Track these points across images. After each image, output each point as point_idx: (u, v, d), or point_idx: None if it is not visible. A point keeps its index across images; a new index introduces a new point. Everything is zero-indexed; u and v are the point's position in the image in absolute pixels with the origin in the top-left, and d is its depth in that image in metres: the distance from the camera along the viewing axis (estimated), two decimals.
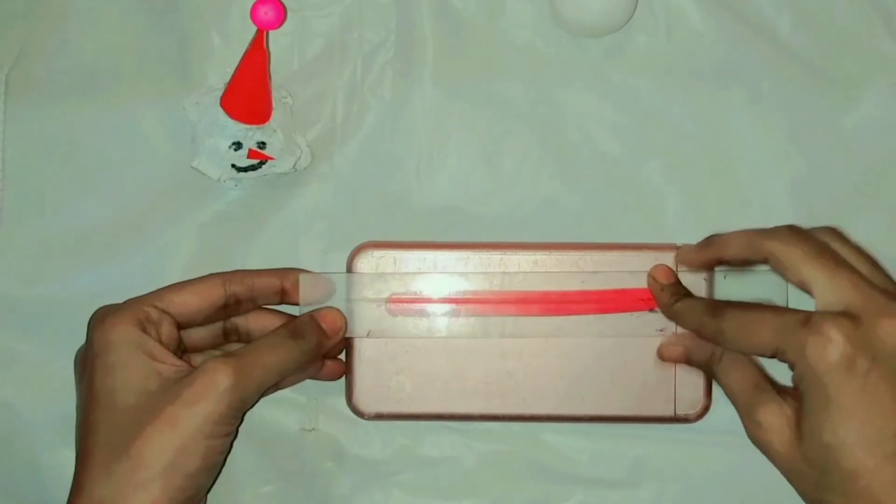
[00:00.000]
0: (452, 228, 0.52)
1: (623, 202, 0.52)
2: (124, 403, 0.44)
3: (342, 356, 0.51)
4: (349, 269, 0.50)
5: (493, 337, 0.50)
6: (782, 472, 0.43)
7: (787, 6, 0.52)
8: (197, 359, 0.48)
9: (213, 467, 0.45)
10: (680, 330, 0.49)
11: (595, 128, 0.53)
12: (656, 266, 0.49)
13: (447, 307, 0.50)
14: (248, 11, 0.51)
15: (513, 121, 0.53)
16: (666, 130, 0.52)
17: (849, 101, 0.52)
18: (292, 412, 0.52)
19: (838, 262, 0.43)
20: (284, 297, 0.49)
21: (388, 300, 0.50)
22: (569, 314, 0.50)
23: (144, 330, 0.46)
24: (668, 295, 0.49)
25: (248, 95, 0.50)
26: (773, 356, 0.43)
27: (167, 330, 0.47)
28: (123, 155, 0.52)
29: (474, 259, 0.50)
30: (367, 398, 0.50)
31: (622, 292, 0.50)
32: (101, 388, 0.45)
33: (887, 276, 0.44)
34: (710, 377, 0.48)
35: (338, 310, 0.49)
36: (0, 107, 0.52)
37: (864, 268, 0.44)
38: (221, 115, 0.50)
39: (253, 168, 0.51)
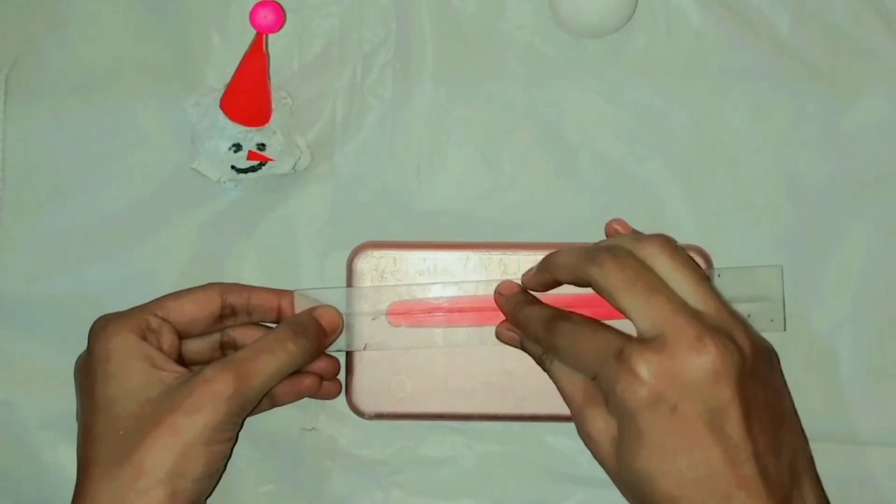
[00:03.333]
0: (452, 228, 0.52)
1: (623, 202, 0.52)
2: (125, 411, 0.44)
3: (340, 375, 0.51)
4: (349, 270, 0.50)
5: (494, 345, 0.50)
6: (607, 474, 0.44)
7: (787, 6, 0.52)
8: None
9: (215, 472, 0.45)
10: None
11: (595, 128, 0.53)
12: (502, 282, 0.49)
13: (447, 316, 0.50)
14: (248, 13, 0.51)
15: (513, 121, 0.53)
16: (666, 130, 0.52)
17: (849, 101, 0.52)
18: (292, 412, 0.52)
19: (653, 288, 0.42)
20: (280, 315, 0.49)
21: (388, 312, 0.50)
22: None
23: (145, 338, 0.46)
24: (511, 304, 0.48)
25: (248, 98, 0.50)
26: (593, 379, 0.42)
27: (168, 338, 0.47)
28: (123, 155, 0.52)
29: (474, 259, 0.50)
30: (367, 398, 0.50)
31: None
32: (102, 396, 0.45)
33: (711, 292, 0.42)
34: (543, 369, 0.47)
35: (334, 308, 0.49)
36: (0, 107, 0.53)
37: (686, 285, 0.42)
38: (221, 116, 0.50)
39: (253, 169, 0.51)
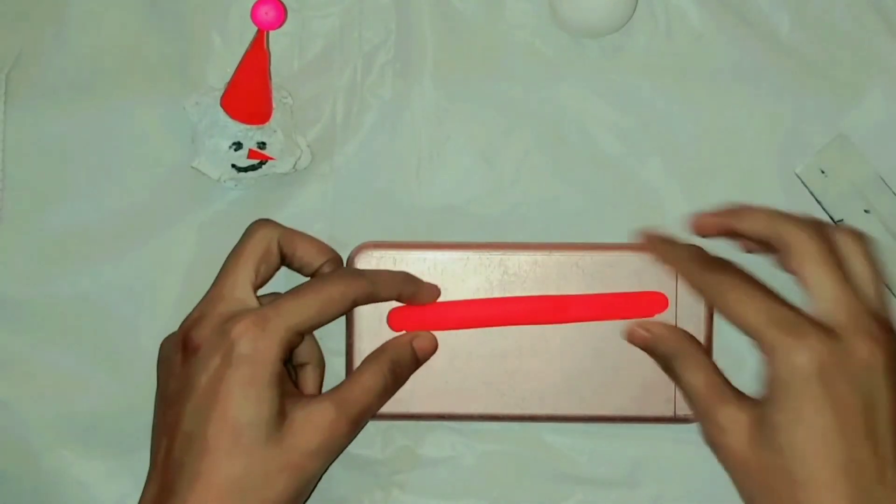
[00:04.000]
0: (452, 228, 0.52)
1: (623, 202, 0.52)
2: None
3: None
4: None
5: (496, 344, 0.50)
6: (732, 476, 0.44)
7: (787, 6, 0.52)
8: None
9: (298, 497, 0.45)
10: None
11: (595, 128, 0.53)
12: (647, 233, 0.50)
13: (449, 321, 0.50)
14: (248, 11, 0.51)
15: (513, 121, 0.53)
16: (666, 130, 0.52)
17: (849, 101, 0.52)
18: None
19: (845, 274, 0.43)
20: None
21: (389, 315, 0.50)
22: (574, 320, 0.50)
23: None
24: (665, 243, 0.49)
25: (249, 96, 0.50)
26: (749, 337, 0.43)
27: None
28: (123, 155, 0.52)
29: (474, 259, 0.50)
30: None
31: (626, 296, 0.50)
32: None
33: (882, 292, 0.45)
34: (668, 372, 0.48)
35: (433, 335, 0.49)
36: (0, 107, 0.52)
37: (866, 278, 0.44)
38: (221, 115, 0.50)
39: (253, 168, 0.51)
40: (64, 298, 0.52)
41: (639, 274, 0.50)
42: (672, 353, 0.48)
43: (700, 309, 0.50)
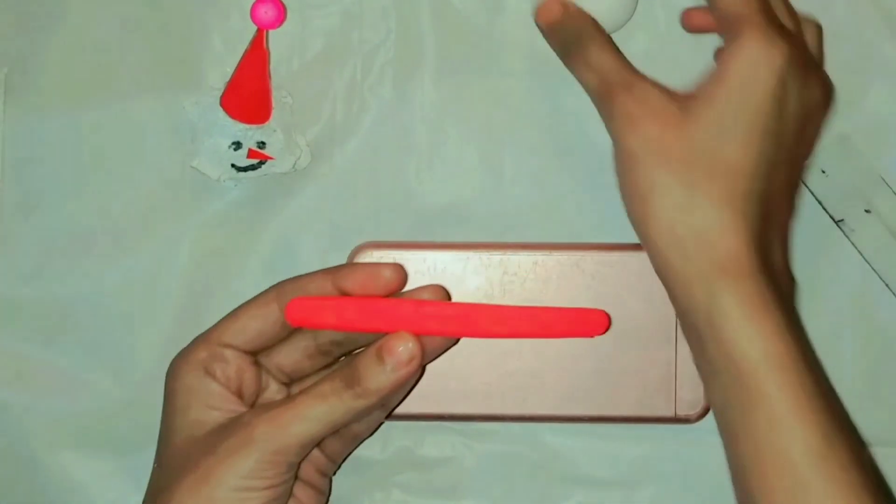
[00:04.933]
0: (452, 228, 0.52)
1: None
2: (176, 448, 0.44)
3: None
4: None
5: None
6: (632, 162, 0.44)
7: None
8: (307, 383, 0.45)
9: None
10: None
11: (595, 128, 0.52)
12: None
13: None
14: (248, 11, 0.51)
15: (513, 121, 0.53)
16: None
17: (849, 101, 0.52)
18: None
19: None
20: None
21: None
22: (485, 335, 0.45)
23: (209, 371, 0.44)
24: None
25: (248, 95, 0.50)
26: (724, 16, 0.45)
27: (235, 364, 0.44)
28: (123, 155, 0.52)
29: (474, 259, 0.50)
30: None
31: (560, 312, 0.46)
32: (164, 430, 0.45)
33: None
34: (569, 58, 0.48)
35: (409, 337, 0.42)
36: (0, 107, 0.52)
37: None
38: (221, 114, 0.50)
39: (253, 168, 0.51)
40: (64, 298, 0.52)
41: (639, 274, 0.50)
42: (578, 33, 0.47)
43: None
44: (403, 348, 0.42)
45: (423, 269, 0.50)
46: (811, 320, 0.52)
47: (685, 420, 0.50)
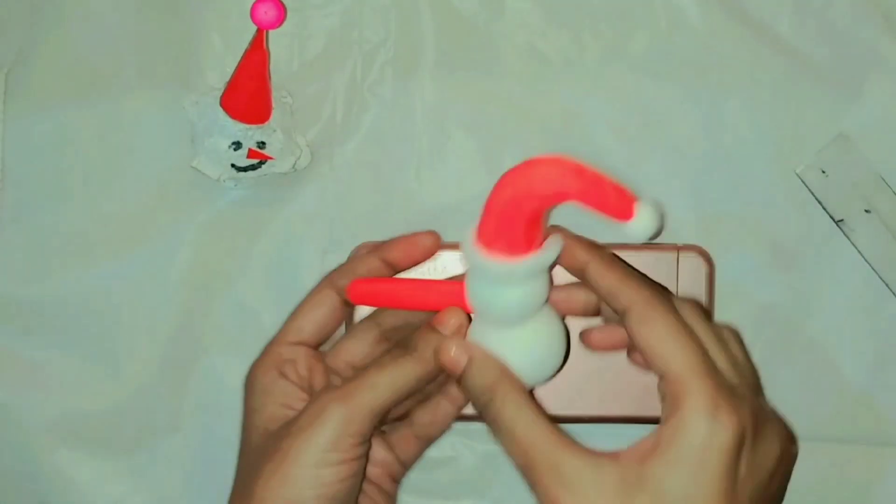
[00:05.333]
0: (452, 228, 0.52)
1: None
2: (252, 446, 0.44)
3: None
4: None
5: None
6: None
7: (787, 6, 0.52)
8: None
9: (335, 495, 0.43)
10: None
11: (595, 128, 0.53)
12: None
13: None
14: (248, 11, 0.51)
15: (513, 121, 0.53)
16: (666, 130, 0.52)
17: (849, 100, 0.52)
18: None
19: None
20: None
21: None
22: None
23: (282, 372, 0.46)
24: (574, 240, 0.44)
25: (248, 95, 0.50)
26: (659, 371, 0.41)
27: (305, 362, 0.46)
28: (123, 155, 0.52)
29: None
30: None
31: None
32: (245, 431, 0.45)
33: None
34: (482, 417, 0.43)
35: (459, 310, 0.45)
36: (0, 107, 0.53)
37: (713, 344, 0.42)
38: (221, 114, 0.50)
39: (252, 168, 0.51)
40: (64, 298, 0.52)
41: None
42: (489, 387, 0.42)
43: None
44: (455, 319, 0.44)
45: (423, 268, 0.50)
46: (811, 320, 0.52)
47: None
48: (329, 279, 0.47)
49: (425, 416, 0.49)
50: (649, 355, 0.41)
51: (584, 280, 0.44)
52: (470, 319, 0.45)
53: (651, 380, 0.50)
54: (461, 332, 0.44)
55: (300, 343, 0.47)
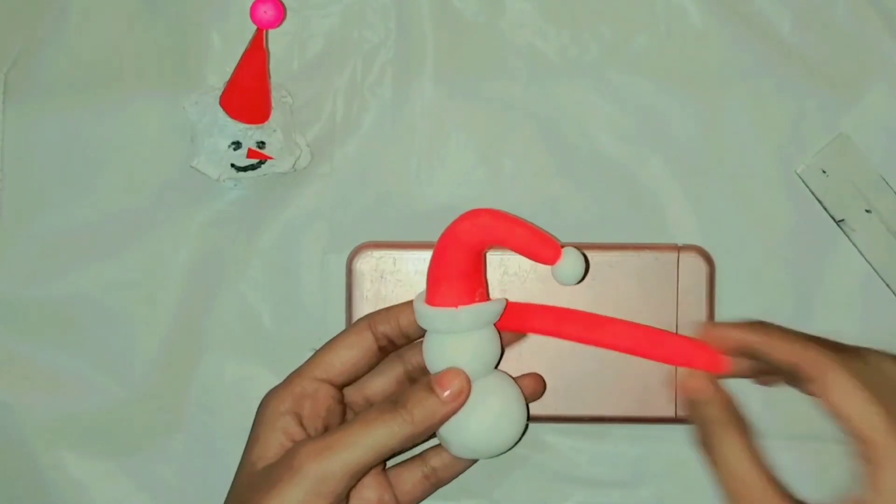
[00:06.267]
0: None
1: (623, 202, 0.52)
2: (239, 480, 0.44)
3: None
4: (349, 270, 0.50)
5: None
6: None
7: (787, 6, 0.52)
8: None
9: None
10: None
11: (595, 128, 0.53)
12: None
13: None
14: (248, 10, 0.51)
15: (513, 121, 0.53)
16: (666, 130, 0.52)
17: (849, 100, 0.52)
18: None
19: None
20: None
21: None
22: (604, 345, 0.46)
23: (298, 405, 0.44)
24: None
25: (248, 95, 0.50)
26: (848, 433, 0.41)
27: (324, 401, 0.45)
28: (123, 155, 0.52)
29: None
30: None
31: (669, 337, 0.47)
32: (240, 462, 0.45)
33: None
34: (703, 444, 0.43)
35: (460, 371, 0.44)
36: (0, 107, 0.52)
37: None
38: (221, 114, 0.50)
39: (252, 168, 0.51)
40: (64, 298, 0.52)
41: (639, 274, 0.50)
42: (716, 421, 0.42)
43: (701, 311, 0.50)
44: (458, 383, 0.44)
45: (424, 269, 0.50)
46: (811, 320, 0.52)
47: (685, 420, 0.50)
48: (370, 320, 0.46)
49: (440, 459, 0.48)
50: (837, 419, 0.41)
51: (753, 357, 0.43)
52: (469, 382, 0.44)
53: (651, 380, 0.50)
54: (461, 398, 0.44)
55: (325, 381, 0.45)
